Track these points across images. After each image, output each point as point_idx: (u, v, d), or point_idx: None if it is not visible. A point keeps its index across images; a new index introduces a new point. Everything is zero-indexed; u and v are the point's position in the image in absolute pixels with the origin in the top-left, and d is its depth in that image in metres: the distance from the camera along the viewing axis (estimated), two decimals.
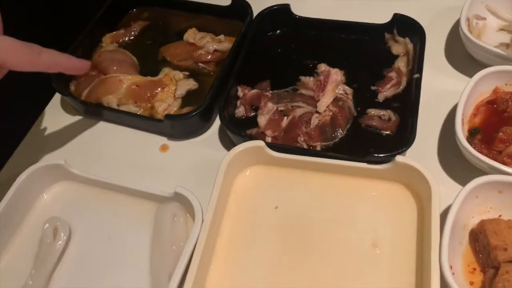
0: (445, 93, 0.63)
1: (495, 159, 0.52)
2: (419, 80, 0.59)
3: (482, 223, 0.48)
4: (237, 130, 0.58)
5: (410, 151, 0.59)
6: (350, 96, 0.63)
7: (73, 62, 0.55)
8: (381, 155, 0.53)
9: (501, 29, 0.68)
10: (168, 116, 0.61)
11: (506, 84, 0.59)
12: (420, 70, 0.60)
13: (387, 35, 0.68)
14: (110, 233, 0.55)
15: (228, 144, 0.61)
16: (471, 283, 0.47)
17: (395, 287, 0.48)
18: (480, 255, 0.48)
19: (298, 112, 0.62)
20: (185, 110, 0.63)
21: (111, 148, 0.64)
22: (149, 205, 0.55)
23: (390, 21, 0.67)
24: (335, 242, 0.51)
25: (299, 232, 0.53)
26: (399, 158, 0.52)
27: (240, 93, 0.64)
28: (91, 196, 0.57)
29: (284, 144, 0.58)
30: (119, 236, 0.54)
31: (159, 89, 0.66)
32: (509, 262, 0.45)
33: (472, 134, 0.56)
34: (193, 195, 0.52)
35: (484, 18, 0.68)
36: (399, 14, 0.67)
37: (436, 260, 0.44)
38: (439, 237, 0.46)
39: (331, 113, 0.61)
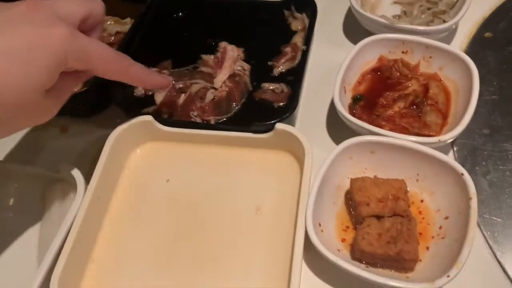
0: (339, 65, 0.65)
1: (373, 123, 0.54)
2: (305, 52, 0.61)
3: (351, 181, 0.50)
4: (128, 108, 0.59)
5: (300, 121, 0.61)
6: (247, 72, 0.64)
7: (158, 80, 0.53)
8: (262, 123, 0.54)
9: (395, 2, 0.70)
10: None
11: (390, 52, 0.61)
12: (308, 43, 0.62)
13: (286, 12, 0.69)
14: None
15: None
16: (343, 240, 0.49)
17: (275, 247, 0.49)
18: (353, 213, 0.50)
19: (194, 88, 0.63)
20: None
21: None
22: (39, 184, 0.55)
23: None
24: (222, 210, 0.53)
25: (189, 203, 0.54)
26: (278, 125, 0.53)
27: None
28: None
29: (176, 119, 0.59)
30: (8, 214, 0.55)
31: None
32: (372, 217, 0.47)
33: (355, 101, 0.58)
34: (77, 171, 0.52)
35: None
36: None
37: (303, 218, 0.46)
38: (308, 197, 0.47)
39: (227, 89, 0.62)
